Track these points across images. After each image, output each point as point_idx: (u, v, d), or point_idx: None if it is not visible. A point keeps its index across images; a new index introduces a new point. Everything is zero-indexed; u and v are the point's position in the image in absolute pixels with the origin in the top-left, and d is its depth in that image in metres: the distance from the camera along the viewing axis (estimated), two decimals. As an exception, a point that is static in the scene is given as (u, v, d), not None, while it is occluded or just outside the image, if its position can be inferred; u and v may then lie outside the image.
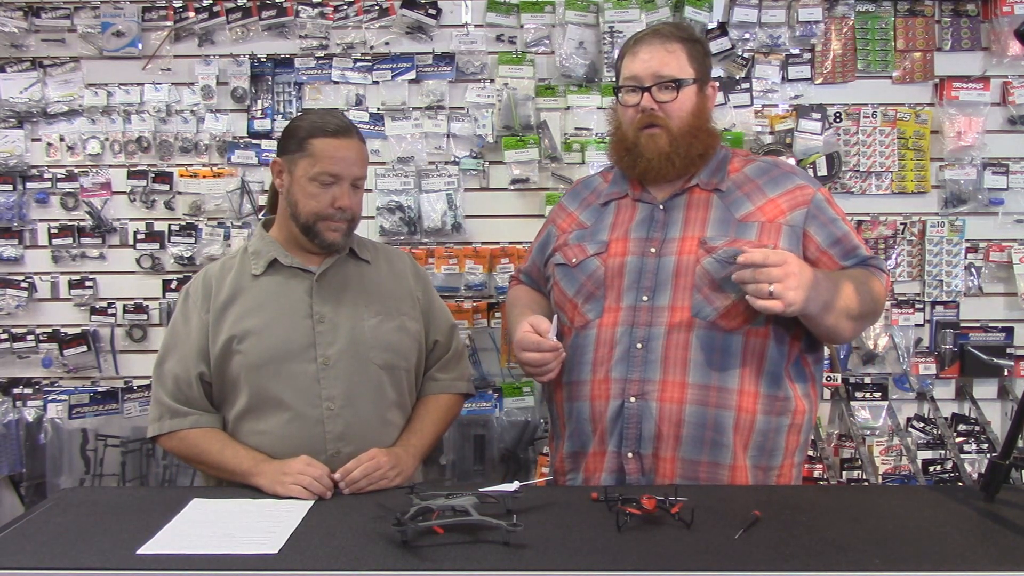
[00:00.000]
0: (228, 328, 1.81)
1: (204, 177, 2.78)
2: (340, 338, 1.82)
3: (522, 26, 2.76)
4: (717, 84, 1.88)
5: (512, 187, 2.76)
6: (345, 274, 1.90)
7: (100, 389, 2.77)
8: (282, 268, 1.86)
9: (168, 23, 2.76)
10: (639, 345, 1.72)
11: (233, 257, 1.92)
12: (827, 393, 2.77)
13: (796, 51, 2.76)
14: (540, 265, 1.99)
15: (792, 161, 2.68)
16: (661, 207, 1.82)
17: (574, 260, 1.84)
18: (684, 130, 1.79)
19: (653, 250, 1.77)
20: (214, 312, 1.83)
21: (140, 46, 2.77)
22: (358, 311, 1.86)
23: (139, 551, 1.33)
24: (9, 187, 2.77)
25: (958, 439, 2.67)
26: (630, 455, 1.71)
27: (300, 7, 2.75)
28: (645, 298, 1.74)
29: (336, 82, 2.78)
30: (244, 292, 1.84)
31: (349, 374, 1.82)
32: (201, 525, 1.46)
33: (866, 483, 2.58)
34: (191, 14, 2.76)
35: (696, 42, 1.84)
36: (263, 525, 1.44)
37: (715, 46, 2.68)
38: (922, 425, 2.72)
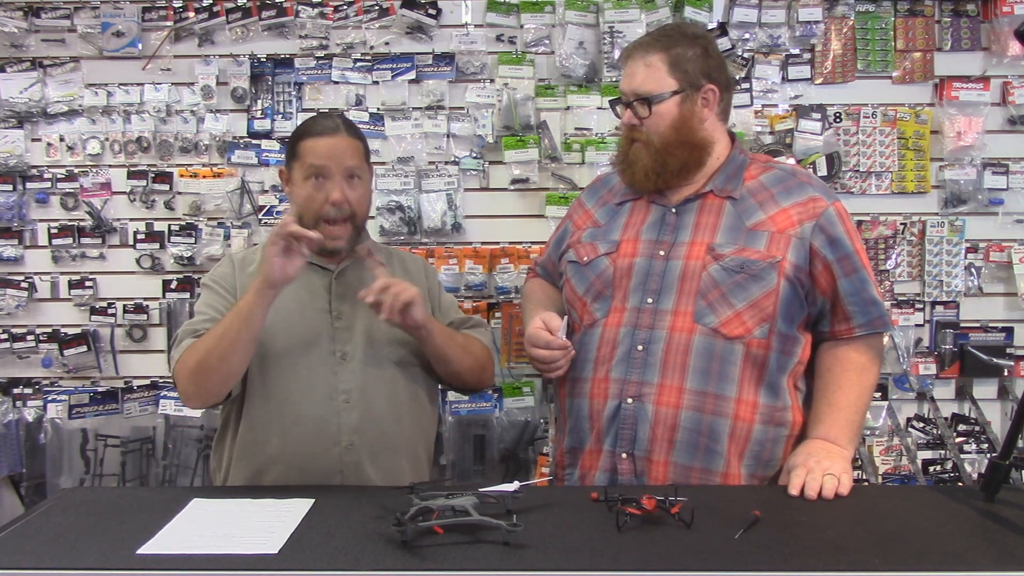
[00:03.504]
0: None
1: (204, 177, 2.78)
2: (357, 334, 1.86)
3: (522, 26, 2.75)
4: (715, 88, 1.80)
5: (512, 187, 2.76)
6: (362, 273, 1.93)
7: (100, 389, 2.77)
8: None
9: (168, 23, 2.75)
10: (640, 347, 1.72)
11: (253, 251, 1.98)
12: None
13: (796, 51, 2.76)
14: (555, 259, 2.02)
15: (792, 161, 2.68)
16: (673, 211, 1.82)
17: (585, 258, 1.86)
18: (664, 145, 1.79)
19: (662, 253, 1.77)
20: (240, 290, 1.86)
21: (140, 46, 2.76)
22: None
23: (139, 551, 1.33)
24: (9, 187, 2.77)
25: (958, 439, 2.67)
26: (624, 456, 1.72)
27: (300, 7, 2.75)
28: (650, 300, 1.75)
29: (336, 82, 2.78)
30: None
31: (365, 368, 1.85)
32: (201, 525, 1.46)
33: (866, 483, 2.58)
34: (191, 14, 2.76)
35: (687, 45, 1.80)
36: (263, 525, 1.44)
37: (715, 46, 2.69)
38: (922, 425, 2.72)
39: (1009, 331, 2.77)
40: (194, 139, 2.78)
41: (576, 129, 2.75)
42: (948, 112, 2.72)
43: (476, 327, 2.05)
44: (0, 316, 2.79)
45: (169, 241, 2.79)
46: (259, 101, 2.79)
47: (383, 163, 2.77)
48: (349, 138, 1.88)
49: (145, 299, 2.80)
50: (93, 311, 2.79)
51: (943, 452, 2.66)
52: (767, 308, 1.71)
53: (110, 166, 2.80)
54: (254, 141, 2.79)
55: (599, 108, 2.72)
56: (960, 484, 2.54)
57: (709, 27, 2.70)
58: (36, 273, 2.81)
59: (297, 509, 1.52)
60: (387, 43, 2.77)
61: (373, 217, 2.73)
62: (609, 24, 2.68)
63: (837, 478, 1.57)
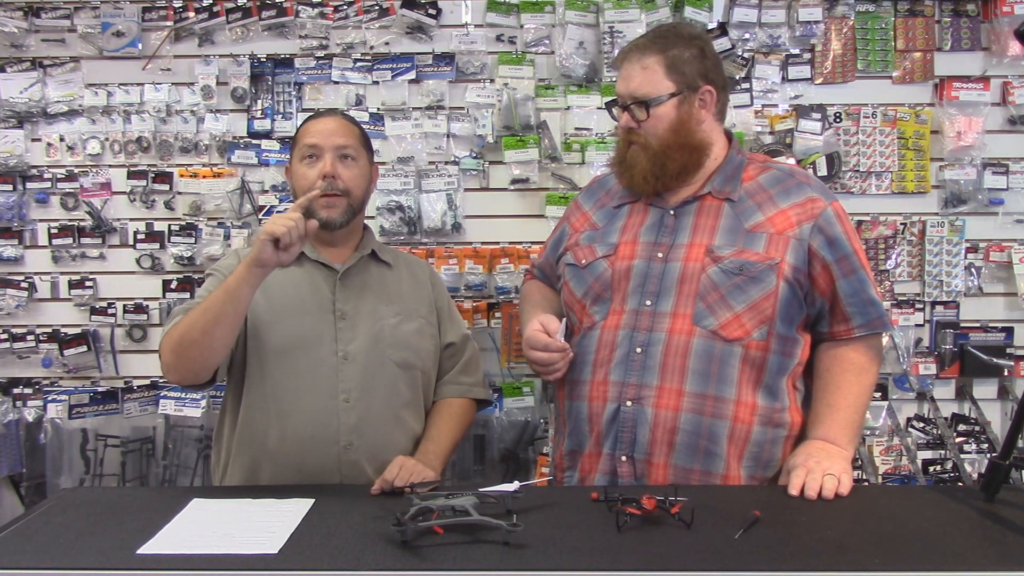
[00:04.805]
0: (253, 311, 1.83)
1: (204, 177, 2.78)
2: (360, 334, 1.87)
3: (522, 26, 2.75)
4: (712, 89, 1.81)
5: (512, 187, 2.76)
6: (367, 274, 1.95)
7: (100, 389, 2.77)
8: (307, 262, 1.92)
9: (168, 23, 2.75)
10: (639, 350, 1.72)
11: None
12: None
13: (796, 51, 2.76)
14: (553, 262, 2.01)
15: (792, 161, 2.68)
16: (672, 212, 1.81)
17: (583, 261, 1.86)
18: (663, 148, 1.78)
19: (660, 255, 1.77)
20: None
21: (140, 46, 2.76)
22: (378, 310, 1.91)
23: (139, 551, 1.33)
24: (9, 187, 2.76)
25: (958, 439, 2.67)
26: (623, 458, 1.72)
27: (300, 7, 2.74)
28: (648, 303, 1.75)
29: (336, 82, 2.78)
30: (272, 280, 1.86)
31: (366, 369, 1.86)
32: (201, 525, 1.46)
33: (866, 483, 2.58)
34: (191, 14, 2.75)
35: (683, 47, 1.79)
36: (263, 525, 1.45)
37: (715, 46, 2.68)
38: (922, 425, 2.72)
39: (1009, 331, 2.77)
40: (194, 139, 2.78)
41: (576, 129, 2.75)
42: (948, 112, 2.72)
43: (468, 368, 2.05)
44: (0, 316, 2.79)
45: (169, 241, 2.79)
46: (259, 101, 2.78)
47: (383, 163, 2.76)
48: (343, 121, 1.94)
49: (145, 299, 2.80)
50: (93, 311, 2.79)
51: (943, 452, 2.66)
52: (766, 310, 1.71)
53: (110, 166, 2.79)
54: (254, 141, 2.78)
55: (599, 108, 2.72)
56: (960, 484, 2.54)
57: (709, 27, 2.70)
58: (36, 273, 2.81)
59: (297, 509, 1.52)
60: (387, 43, 2.77)
61: (372, 217, 2.73)
62: (609, 24, 2.68)
63: (837, 478, 1.57)
